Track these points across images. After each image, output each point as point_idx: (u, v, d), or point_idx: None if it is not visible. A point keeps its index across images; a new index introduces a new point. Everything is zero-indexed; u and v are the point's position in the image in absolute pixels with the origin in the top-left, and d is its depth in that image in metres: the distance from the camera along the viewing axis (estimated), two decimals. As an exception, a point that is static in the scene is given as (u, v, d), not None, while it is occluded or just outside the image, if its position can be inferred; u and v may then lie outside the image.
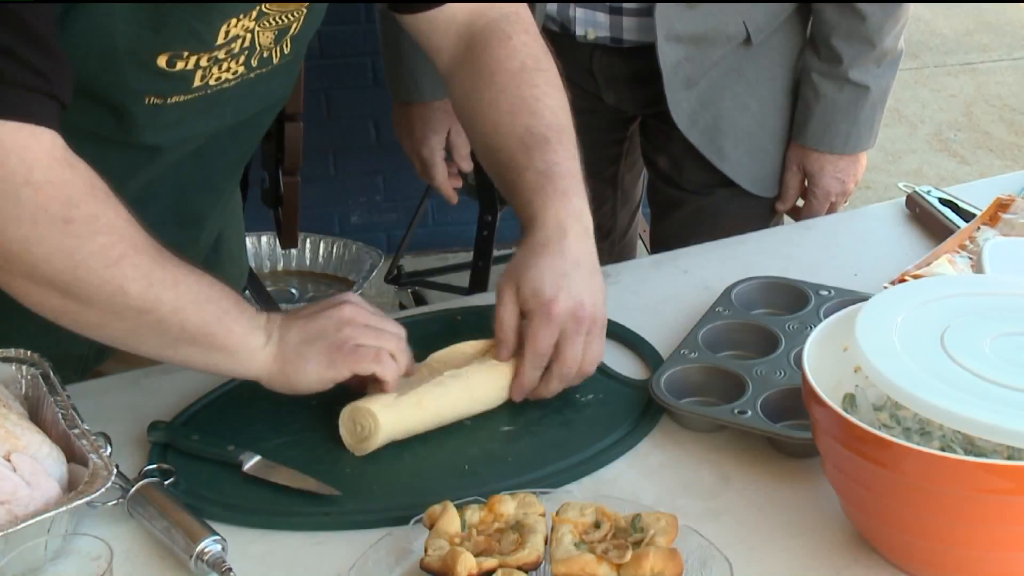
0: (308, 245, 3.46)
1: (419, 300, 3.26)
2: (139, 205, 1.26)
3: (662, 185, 1.99)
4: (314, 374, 1.19)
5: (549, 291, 1.22)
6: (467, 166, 1.98)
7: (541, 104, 1.32)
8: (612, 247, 2.13)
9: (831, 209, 1.92)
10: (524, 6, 1.40)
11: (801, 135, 1.86)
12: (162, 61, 1.16)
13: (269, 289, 3.14)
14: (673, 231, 1.96)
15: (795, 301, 1.41)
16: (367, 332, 1.20)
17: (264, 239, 3.30)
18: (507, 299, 1.25)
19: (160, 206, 1.28)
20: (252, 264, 3.10)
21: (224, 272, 1.52)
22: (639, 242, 2.29)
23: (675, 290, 1.50)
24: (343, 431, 1.21)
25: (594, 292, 1.24)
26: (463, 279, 3.01)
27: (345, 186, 3.65)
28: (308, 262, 3.48)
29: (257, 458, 1.19)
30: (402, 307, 3.23)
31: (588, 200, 1.30)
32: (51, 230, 1.06)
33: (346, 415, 1.21)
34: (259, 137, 1.42)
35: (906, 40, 1.86)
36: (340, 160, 3.62)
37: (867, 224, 1.68)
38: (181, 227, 1.31)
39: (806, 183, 1.92)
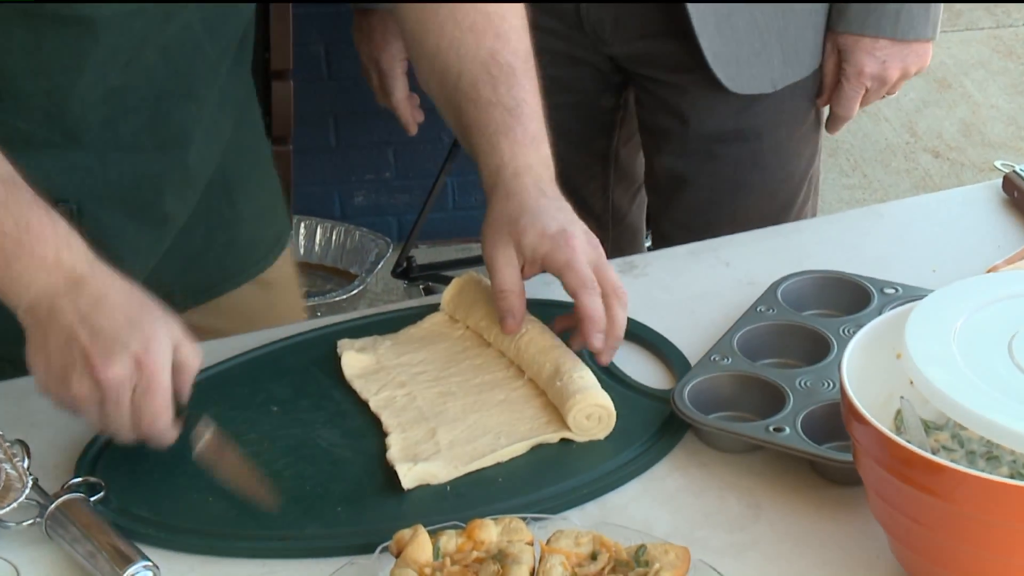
0: (303, 231, 3.49)
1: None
2: (110, 124, 1.32)
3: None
4: (36, 374, 1.19)
5: (555, 225, 1.31)
6: None
7: (507, 23, 1.40)
8: (605, 231, 2.09)
9: (865, 100, 1.88)
10: None
11: (841, 20, 1.85)
12: None
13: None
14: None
15: (854, 300, 1.42)
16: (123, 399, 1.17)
17: (250, 223, 3.34)
18: (505, 258, 1.32)
19: (135, 124, 1.32)
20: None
21: (236, 231, 1.56)
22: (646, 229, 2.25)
23: (713, 285, 1.52)
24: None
25: (584, 226, 1.34)
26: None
27: (348, 160, 3.67)
28: (303, 251, 3.51)
29: (211, 429, 1.23)
30: (412, 306, 3.25)
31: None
32: None
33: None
34: (238, 31, 1.46)
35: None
36: (342, 128, 3.64)
37: (952, 210, 1.69)
38: (161, 150, 1.34)
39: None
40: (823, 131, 2.01)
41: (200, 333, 1.26)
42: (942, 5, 1.87)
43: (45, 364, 1.17)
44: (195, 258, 1.51)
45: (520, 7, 1.43)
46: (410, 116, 2.04)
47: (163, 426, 1.18)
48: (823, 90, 1.92)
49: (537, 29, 1.90)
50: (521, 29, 1.42)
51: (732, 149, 1.91)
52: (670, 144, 1.97)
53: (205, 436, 1.23)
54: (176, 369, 1.18)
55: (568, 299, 1.33)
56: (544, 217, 1.32)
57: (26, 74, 1.25)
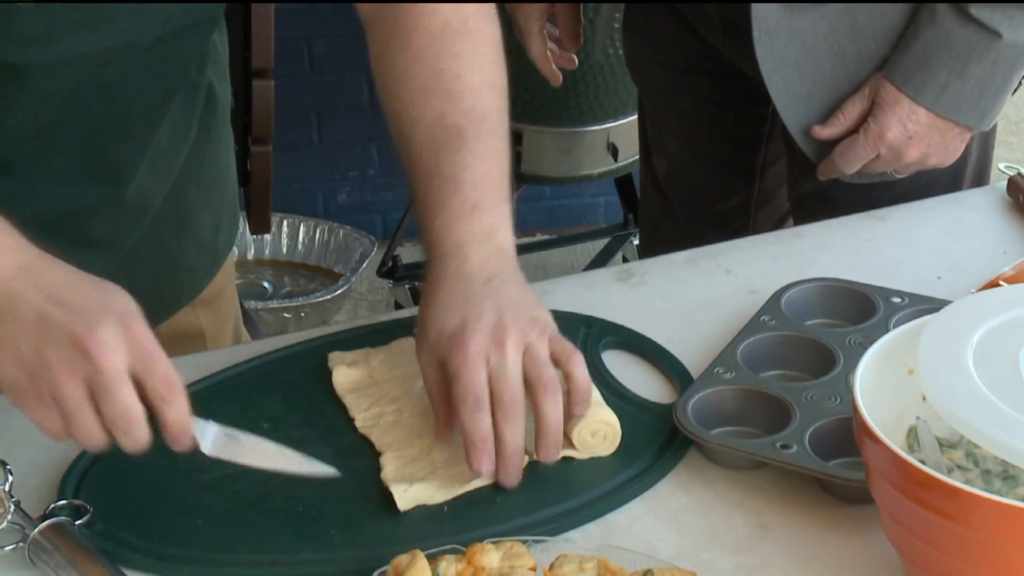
0: (285, 229, 3.48)
1: (418, 298, 3.26)
2: (41, 157, 1.27)
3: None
4: (3, 375, 1.09)
5: (455, 322, 1.21)
6: (571, 46, 1.96)
7: (461, 82, 1.30)
8: None
9: (869, 167, 1.72)
10: None
11: (890, 67, 1.70)
12: None
13: (237, 282, 3.15)
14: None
15: (860, 310, 1.41)
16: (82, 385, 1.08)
17: (229, 221, 3.32)
18: (424, 362, 1.24)
19: (67, 157, 1.27)
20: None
21: (180, 261, 1.53)
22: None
23: (714, 294, 1.50)
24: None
25: (514, 302, 1.23)
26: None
27: (331, 157, 3.67)
28: (285, 249, 3.50)
29: (214, 431, 1.16)
30: (398, 307, 3.24)
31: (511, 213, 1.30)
32: None
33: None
34: (184, 71, 1.40)
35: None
36: (325, 125, 3.64)
37: (957, 215, 1.68)
38: (95, 182, 1.30)
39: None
40: None
41: None
42: (1005, 96, 1.69)
43: (14, 357, 1.07)
44: (139, 289, 1.45)
45: (489, 64, 1.33)
46: (551, 71, 1.97)
47: (178, 399, 1.10)
48: (830, 121, 1.73)
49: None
50: (482, 87, 1.31)
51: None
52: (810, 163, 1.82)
53: (211, 435, 1.17)
54: None
55: (561, 308, 1.31)
56: (446, 312, 1.22)
57: None
